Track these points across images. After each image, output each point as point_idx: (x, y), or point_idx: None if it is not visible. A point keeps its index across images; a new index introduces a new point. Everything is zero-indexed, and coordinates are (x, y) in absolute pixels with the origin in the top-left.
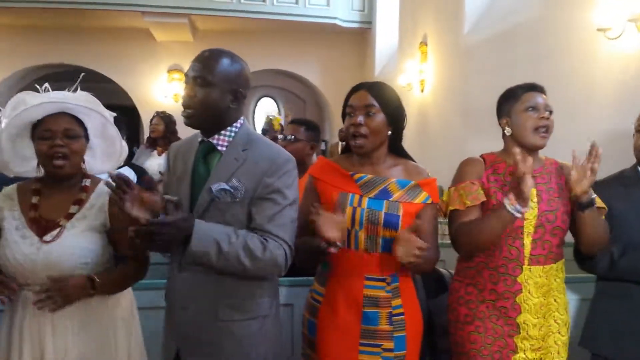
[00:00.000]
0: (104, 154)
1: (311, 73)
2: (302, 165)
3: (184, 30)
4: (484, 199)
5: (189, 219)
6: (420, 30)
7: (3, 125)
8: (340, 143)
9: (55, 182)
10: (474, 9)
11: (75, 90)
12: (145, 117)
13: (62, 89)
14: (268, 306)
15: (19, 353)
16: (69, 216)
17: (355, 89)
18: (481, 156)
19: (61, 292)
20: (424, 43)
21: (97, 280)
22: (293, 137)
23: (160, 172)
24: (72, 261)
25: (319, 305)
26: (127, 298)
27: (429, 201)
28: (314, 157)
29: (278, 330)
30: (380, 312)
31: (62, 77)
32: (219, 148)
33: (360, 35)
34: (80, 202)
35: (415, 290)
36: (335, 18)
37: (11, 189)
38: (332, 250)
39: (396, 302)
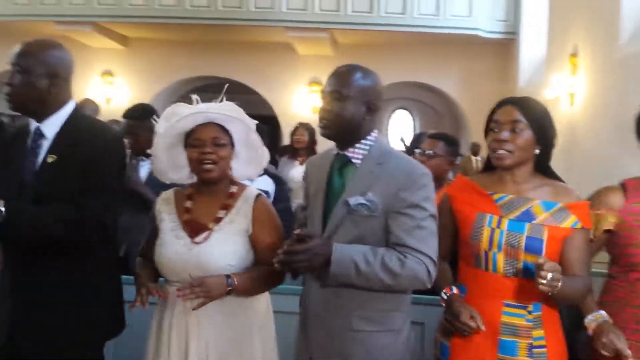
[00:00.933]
0: (247, 160)
1: (449, 85)
2: (439, 181)
3: (324, 44)
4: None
5: (326, 244)
6: (570, 40)
7: (159, 136)
8: (474, 158)
9: (205, 188)
10: (631, 17)
11: (222, 101)
12: (285, 127)
13: (211, 100)
14: (401, 321)
15: (167, 346)
16: (217, 220)
17: (501, 104)
18: (622, 183)
19: (202, 287)
20: (574, 54)
21: (235, 278)
22: (432, 152)
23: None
24: (219, 262)
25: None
26: (263, 303)
27: (579, 226)
28: (451, 174)
29: (408, 346)
30: (520, 342)
31: (211, 88)
32: (354, 161)
33: (503, 46)
34: (227, 207)
35: (561, 323)
36: (477, 29)
37: (169, 193)
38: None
39: (538, 332)
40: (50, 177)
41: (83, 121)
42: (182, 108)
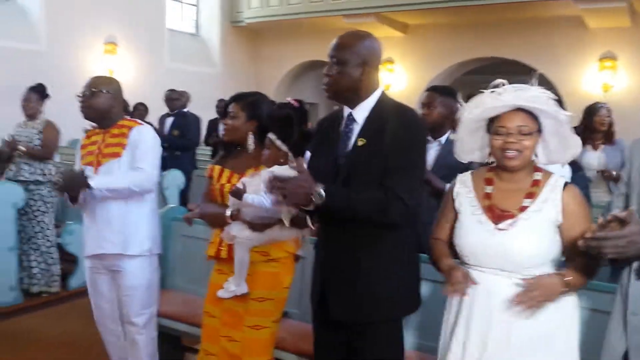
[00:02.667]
0: (555, 148)
1: None
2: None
3: (621, 14)
4: None
5: None
6: None
7: (465, 121)
8: None
9: (507, 174)
10: None
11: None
12: (571, 109)
13: (488, 82)
14: None
15: (465, 328)
16: (522, 208)
17: None
18: None
19: (540, 290)
20: None
21: (568, 275)
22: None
23: None
24: (524, 252)
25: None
26: (571, 300)
27: None
28: None
29: None
30: None
31: (487, 70)
32: None
33: None
34: (532, 196)
35: None
36: None
37: (466, 176)
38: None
39: None
40: (360, 159)
41: (389, 106)
42: (489, 99)
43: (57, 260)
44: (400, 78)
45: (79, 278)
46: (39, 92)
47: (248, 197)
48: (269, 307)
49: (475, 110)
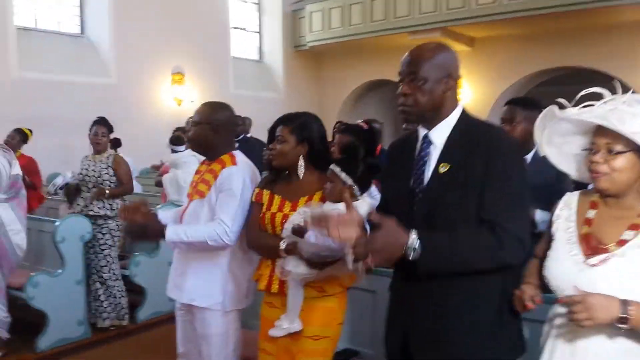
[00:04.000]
0: None
1: None
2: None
3: None
4: None
5: None
6: None
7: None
8: None
9: (612, 199)
10: None
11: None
12: None
13: (564, 93)
14: None
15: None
16: (622, 242)
17: None
18: None
19: (583, 305)
20: None
21: (634, 307)
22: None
23: None
24: (613, 293)
25: None
26: None
27: None
28: None
29: None
30: None
31: (562, 80)
32: None
33: None
34: (637, 227)
35: None
36: None
37: (573, 196)
38: None
39: None
40: (444, 188)
41: (475, 124)
42: (559, 112)
43: (124, 293)
44: (467, 93)
45: (147, 310)
46: (108, 125)
47: (311, 236)
48: (324, 345)
49: (548, 122)
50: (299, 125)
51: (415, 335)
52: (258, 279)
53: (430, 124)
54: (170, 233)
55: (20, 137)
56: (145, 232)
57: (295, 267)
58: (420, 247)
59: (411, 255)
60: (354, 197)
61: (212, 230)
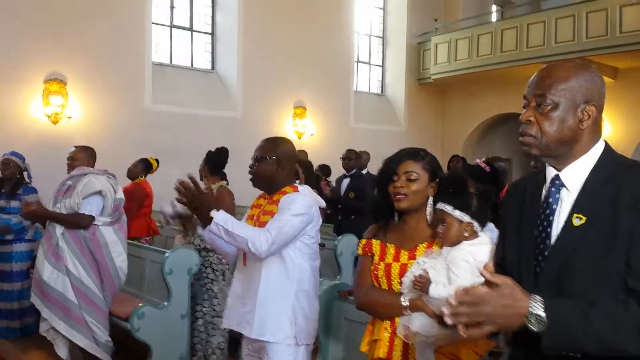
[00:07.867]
0: None
1: None
2: None
3: None
4: None
5: None
6: None
7: None
8: None
9: None
10: None
11: None
12: None
13: None
14: None
15: None
16: None
17: None
18: None
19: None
20: None
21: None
22: None
23: None
24: None
25: None
26: None
27: None
28: None
29: None
30: None
31: None
32: None
33: None
34: None
35: None
36: None
37: None
38: None
39: None
40: (577, 245)
41: (620, 166)
42: None
43: (225, 332)
44: (606, 129)
45: None
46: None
47: (437, 289)
48: None
49: None
50: (431, 161)
51: None
52: (369, 348)
53: (561, 161)
54: (221, 215)
55: (142, 165)
56: (202, 202)
57: (422, 327)
58: (546, 318)
59: (535, 327)
60: (474, 235)
61: (257, 234)
